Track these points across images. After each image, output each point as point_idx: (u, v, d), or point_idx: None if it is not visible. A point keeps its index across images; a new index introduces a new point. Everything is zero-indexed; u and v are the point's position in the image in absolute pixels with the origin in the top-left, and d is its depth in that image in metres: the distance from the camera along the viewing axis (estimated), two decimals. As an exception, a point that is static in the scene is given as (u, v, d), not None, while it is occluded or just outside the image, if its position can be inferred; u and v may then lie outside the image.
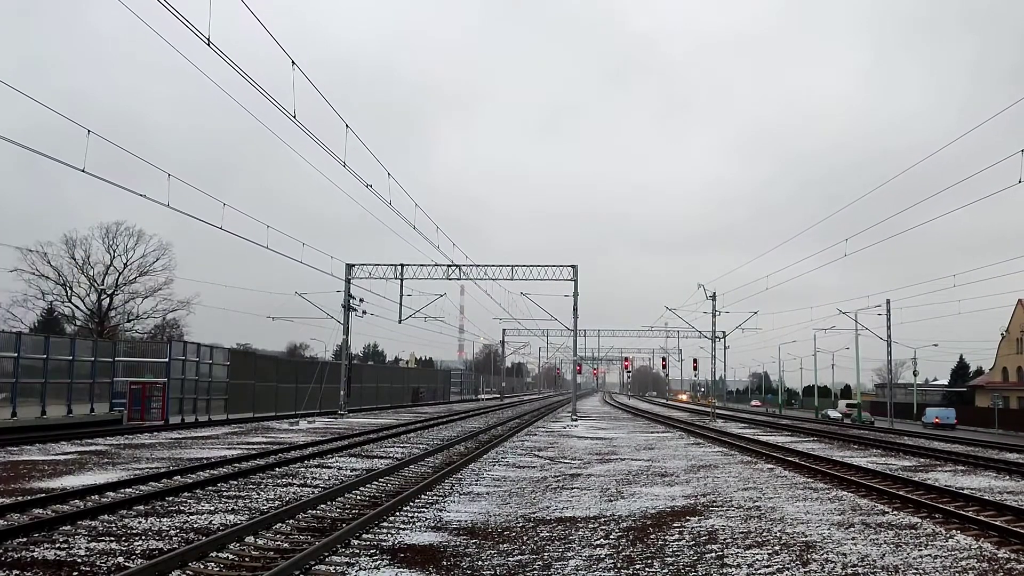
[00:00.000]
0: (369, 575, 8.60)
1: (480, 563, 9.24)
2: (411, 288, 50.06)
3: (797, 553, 9.93)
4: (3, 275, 64.65)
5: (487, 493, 15.16)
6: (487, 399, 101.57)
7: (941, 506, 14.31)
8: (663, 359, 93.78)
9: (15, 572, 8.30)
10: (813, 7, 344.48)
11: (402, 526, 11.43)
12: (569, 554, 9.77)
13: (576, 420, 46.71)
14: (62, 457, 19.73)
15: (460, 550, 9.93)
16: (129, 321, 65.09)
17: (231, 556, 9.27)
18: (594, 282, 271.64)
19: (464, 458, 21.05)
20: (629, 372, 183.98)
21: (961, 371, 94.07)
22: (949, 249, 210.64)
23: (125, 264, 64.77)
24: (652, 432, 38.04)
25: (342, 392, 48.14)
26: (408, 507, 13.10)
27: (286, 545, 9.95)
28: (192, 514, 11.95)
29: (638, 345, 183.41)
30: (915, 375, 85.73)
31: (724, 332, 68.48)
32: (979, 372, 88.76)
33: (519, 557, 9.58)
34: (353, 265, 49.31)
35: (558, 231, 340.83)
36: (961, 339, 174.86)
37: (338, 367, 50.98)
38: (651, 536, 10.99)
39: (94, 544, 9.64)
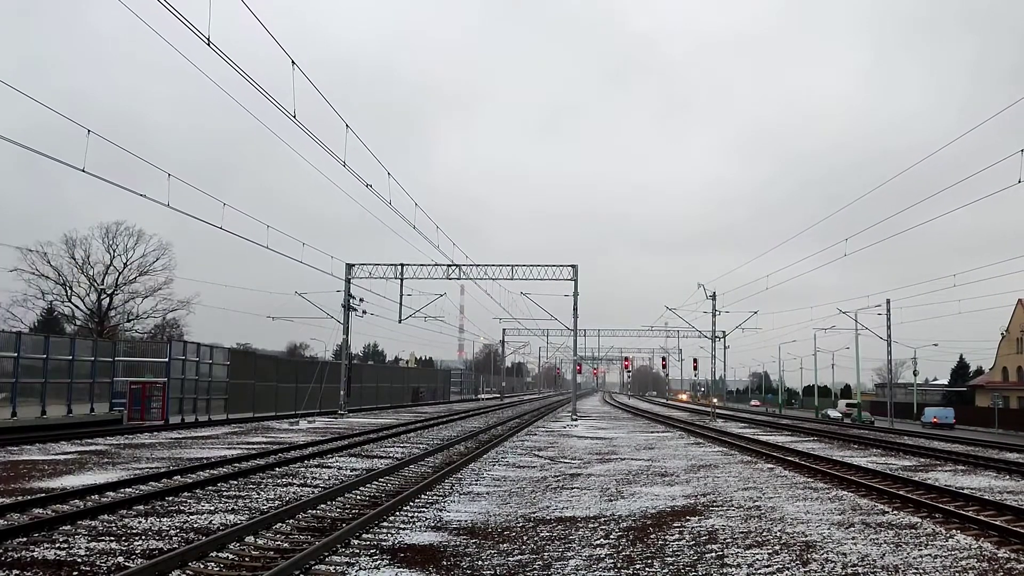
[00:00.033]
0: (369, 575, 8.60)
1: (480, 563, 9.24)
2: (411, 288, 50.15)
3: (797, 553, 9.93)
4: (3, 275, 64.73)
5: (487, 493, 15.16)
6: (487, 399, 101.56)
7: (941, 506, 14.30)
8: (663, 359, 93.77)
9: (15, 572, 8.29)
10: (813, 7, 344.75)
11: (402, 526, 11.43)
12: (569, 554, 9.77)
13: (576, 420, 46.71)
14: (62, 457, 19.73)
15: (460, 550, 9.93)
16: (129, 321, 65.10)
17: (231, 556, 9.27)
18: (594, 282, 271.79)
19: (464, 458, 21.05)
20: (629, 372, 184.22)
21: (961, 371, 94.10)
22: (949, 249, 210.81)
23: (125, 264, 64.89)
24: (652, 432, 38.04)
25: (342, 392, 48.13)
26: (408, 507, 13.09)
27: (286, 545, 9.95)
28: (192, 514, 11.95)
29: (638, 345, 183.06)
30: (915, 375, 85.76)
31: (724, 332, 68.52)
32: (979, 372, 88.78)
33: (519, 557, 9.58)
34: (353, 265, 49.33)
35: (558, 231, 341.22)
36: (961, 339, 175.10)
37: (338, 367, 50.98)
38: (651, 536, 10.99)
39: (94, 544, 9.64)
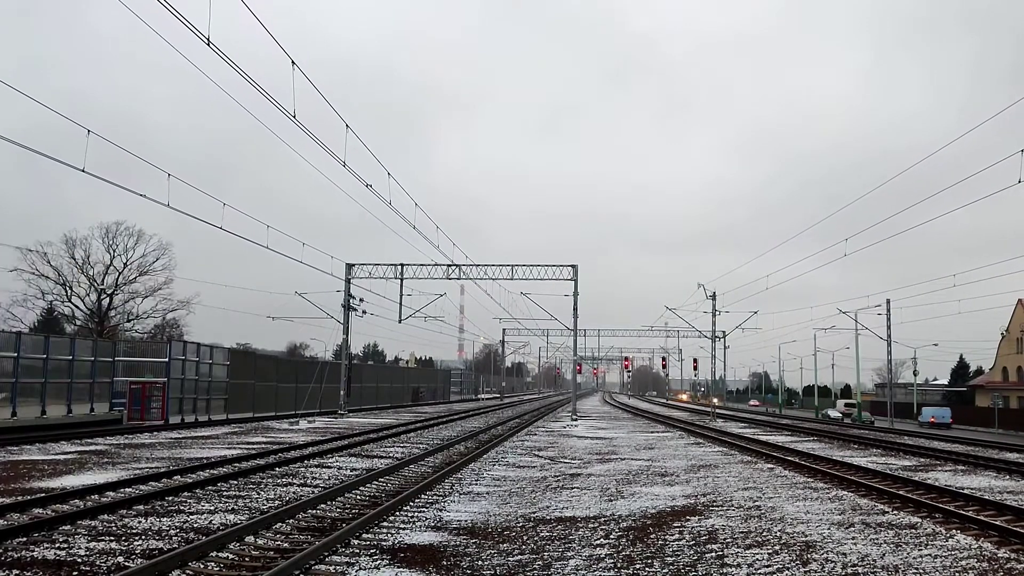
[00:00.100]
0: (369, 575, 8.60)
1: (480, 563, 9.24)
2: (411, 288, 50.16)
3: (797, 553, 9.93)
4: (3, 275, 64.69)
5: (487, 493, 15.16)
6: (487, 399, 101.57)
7: (941, 506, 14.30)
8: (663, 359, 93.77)
9: (15, 572, 8.29)
10: (813, 7, 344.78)
11: (402, 526, 11.43)
12: (569, 554, 9.77)
13: (576, 420, 46.71)
14: (62, 457, 19.73)
15: (460, 550, 9.93)
16: (129, 321, 65.10)
17: (231, 556, 9.27)
18: (594, 282, 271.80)
19: (464, 458, 21.05)
20: (629, 372, 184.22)
21: (961, 371, 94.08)
22: (949, 249, 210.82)
23: (125, 264, 64.87)
24: (652, 432, 38.04)
25: (342, 392, 48.13)
26: (408, 507, 13.10)
27: (286, 545, 9.95)
28: (192, 514, 11.95)
29: (638, 345, 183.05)
30: (915, 375, 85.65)
31: (724, 332, 68.57)
32: (979, 372, 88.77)
33: (519, 557, 9.58)
34: (353, 265, 49.34)
35: (558, 231, 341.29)
36: (961, 339, 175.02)
37: (338, 367, 50.98)
38: (651, 536, 10.99)
39: (94, 544, 9.64)
